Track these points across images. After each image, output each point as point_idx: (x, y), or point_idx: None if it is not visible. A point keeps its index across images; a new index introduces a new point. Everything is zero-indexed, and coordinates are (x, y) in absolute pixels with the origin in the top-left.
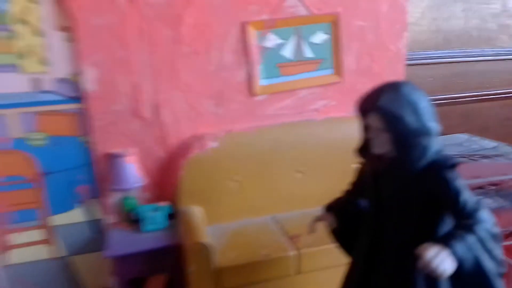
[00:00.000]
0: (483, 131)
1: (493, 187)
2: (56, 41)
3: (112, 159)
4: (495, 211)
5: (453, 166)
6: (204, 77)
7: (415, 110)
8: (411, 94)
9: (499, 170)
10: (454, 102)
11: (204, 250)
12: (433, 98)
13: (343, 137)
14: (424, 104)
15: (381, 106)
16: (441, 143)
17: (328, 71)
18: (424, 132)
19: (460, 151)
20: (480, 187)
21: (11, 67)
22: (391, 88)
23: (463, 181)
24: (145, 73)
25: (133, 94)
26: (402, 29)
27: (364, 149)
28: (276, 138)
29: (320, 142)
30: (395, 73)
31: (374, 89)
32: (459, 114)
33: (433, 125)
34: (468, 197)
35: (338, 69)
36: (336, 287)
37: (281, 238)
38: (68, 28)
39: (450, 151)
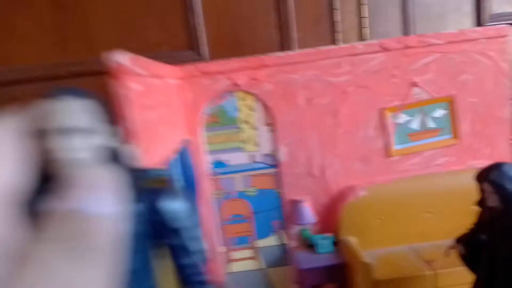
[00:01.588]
0: None
1: None
2: (264, 132)
3: (295, 203)
4: None
5: None
6: (354, 146)
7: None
8: (509, 171)
9: None
10: None
11: (367, 266)
12: None
13: (462, 186)
14: None
15: (491, 179)
16: None
17: (448, 136)
18: None
19: None
20: None
21: (239, 149)
22: (497, 167)
23: None
24: (315, 147)
25: (308, 161)
26: (506, 99)
27: (482, 202)
28: (409, 187)
29: (443, 189)
30: (503, 133)
31: (486, 167)
32: None
33: None
34: None
35: (455, 134)
36: None
37: (419, 262)
38: (270, 124)
39: None
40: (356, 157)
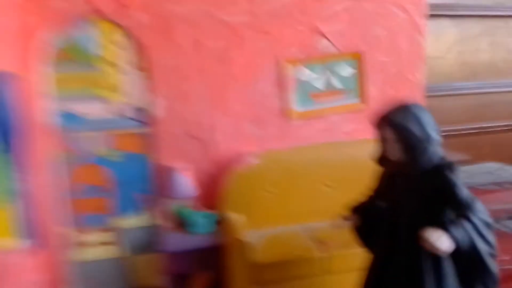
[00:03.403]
0: None
1: None
2: (135, 78)
3: (169, 172)
4: None
5: (454, 168)
6: (248, 104)
7: (419, 122)
8: (415, 111)
9: None
10: (484, 131)
11: (244, 246)
12: (463, 128)
13: (367, 157)
14: (427, 118)
15: (393, 121)
16: (443, 150)
17: (355, 100)
18: (427, 139)
19: (491, 180)
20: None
21: (99, 98)
22: (400, 107)
23: (461, 180)
24: (202, 103)
25: (191, 120)
26: (420, 61)
27: (382, 158)
28: (309, 156)
29: (347, 161)
30: (415, 99)
31: (389, 108)
32: (489, 143)
33: (434, 134)
34: (465, 192)
35: (363, 98)
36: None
37: (311, 243)
38: (144, 68)
39: (481, 179)
40: (250, 118)
